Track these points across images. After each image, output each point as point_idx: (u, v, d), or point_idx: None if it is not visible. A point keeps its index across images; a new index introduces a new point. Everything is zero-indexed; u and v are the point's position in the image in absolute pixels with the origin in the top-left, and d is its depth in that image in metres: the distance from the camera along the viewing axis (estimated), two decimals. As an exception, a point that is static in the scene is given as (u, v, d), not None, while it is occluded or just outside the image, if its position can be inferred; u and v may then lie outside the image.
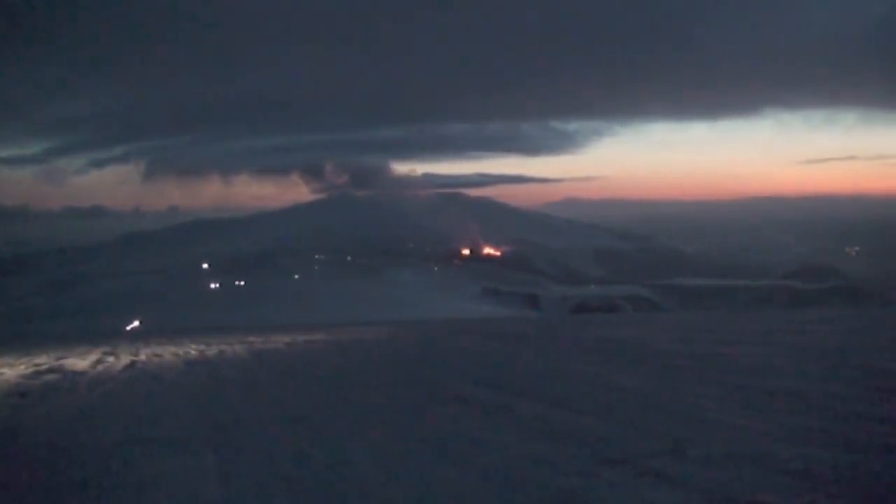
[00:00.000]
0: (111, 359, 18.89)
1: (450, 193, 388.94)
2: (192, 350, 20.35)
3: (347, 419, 9.57)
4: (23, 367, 17.58)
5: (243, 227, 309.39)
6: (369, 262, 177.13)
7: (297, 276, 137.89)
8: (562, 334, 21.56)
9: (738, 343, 16.29)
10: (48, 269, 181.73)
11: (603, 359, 14.70)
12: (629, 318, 38.53)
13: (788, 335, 17.80)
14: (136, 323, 57.22)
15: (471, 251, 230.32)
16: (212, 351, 19.81)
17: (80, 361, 18.38)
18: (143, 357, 19.07)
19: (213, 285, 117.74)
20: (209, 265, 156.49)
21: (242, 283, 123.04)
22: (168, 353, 19.93)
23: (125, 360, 18.49)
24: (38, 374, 16.09)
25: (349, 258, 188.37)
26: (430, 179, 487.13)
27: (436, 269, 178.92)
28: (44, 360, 18.78)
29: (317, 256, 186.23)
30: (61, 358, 19.38)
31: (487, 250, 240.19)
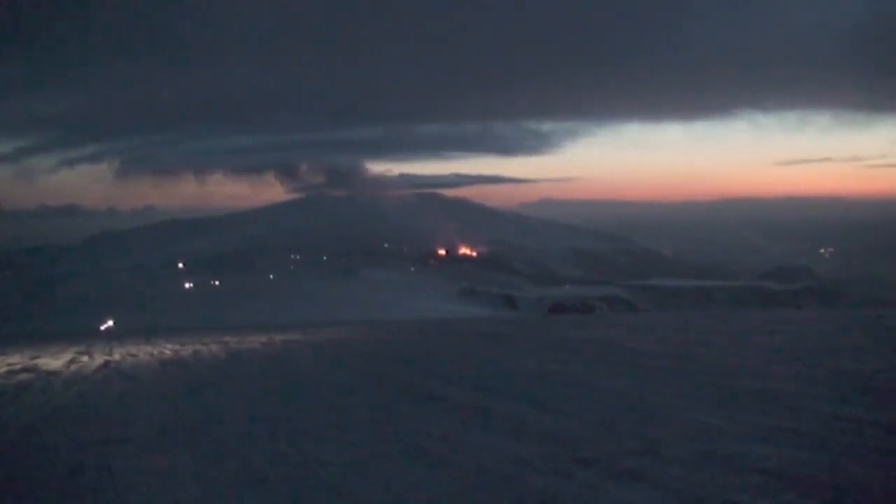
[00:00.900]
0: (85, 358, 18.77)
1: (426, 193, 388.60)
2: (167, 350, 20.26)
3: (322, 418, 9.57)
4: (-5, 366, 17.45)
5: (218, 227, 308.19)
6: (345, 262, 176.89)
7: (272, 276, 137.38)
8: (538, 334, 21.62)
9: (712, 343, 16.41)
10: (21, 268, 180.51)
11: (578, 359, 14.76)
12: (605, 319, 38.67)
13: (762, 335, 17.94)
14: (111, 323, 56.81)
15: (447, 251, 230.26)
16: (187, 351, 19.73)
17: (53, 361, 18.25)
18: (117, 357, 18.96)
19: (187, 285, 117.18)
20: (184, 265, 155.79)
21: (218, 282, 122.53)
22: (143, 353, 19.83)
23: (99, 359, 18.37)
24: (11, 373, 15.97)
25: (325, 258, 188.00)
26: (406, 179, 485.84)
27: (412, 269, 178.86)
28: (17, 360, 18.64)
29: (292, 256, 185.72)
30: (35, 357, 19.24)
31: (464, 251, 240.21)
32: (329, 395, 11.49)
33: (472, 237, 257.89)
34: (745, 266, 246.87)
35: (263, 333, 25.38)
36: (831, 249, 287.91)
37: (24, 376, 15.40)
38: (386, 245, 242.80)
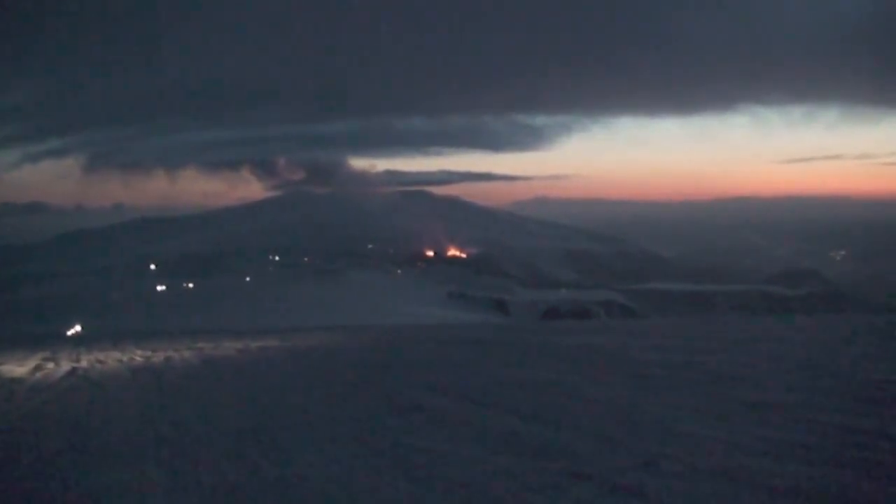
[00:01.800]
0: (51, 365, 18.70)
1: (413, 191, 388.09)
2: (138, 356, 20.21)
3: (301, 430, 9.55)
4: (-47, 374, 17.38)
5: (192, 226, 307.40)
6: (327, 264, 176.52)
7: (249, 279, 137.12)
8: (530, 341, 21.62)
9: (715, 351, 16.43)
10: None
11: (573, 367, 14.77)
12: (602, 325, 38.69)
13: (768, 343, 17.97)
14: (78, 327, 56.61)
15: (435, 253, 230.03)
16: (158, 358, 19.68)
17: (17, 368, 18.18)
18: (84, 363, 18.90)
19: (159, 287, 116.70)
20: (156, 266, 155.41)
21: (191, 285, 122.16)
22: (112, 359, 19.77)
23: (66, 366, 18.31)
24: (-30, 381, 15.92)
25: (305, 259, 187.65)
26: (391, 176, 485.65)
27: (398, 271, 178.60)
28: (-24, 367, 18.58)
29: (271, 257, 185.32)
30: (-5, 364, 19.18)
31: (453, 252, 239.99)
32: (309, 406, 11.48)
33: (461, 237, 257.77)
34: (749, 269, 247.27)
35: (239, 339, 25.34)
36: (841, 252, 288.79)
37: (-16, 384, 15.35)
38: (370, 246, 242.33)
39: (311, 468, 7.65)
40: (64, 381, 15.71)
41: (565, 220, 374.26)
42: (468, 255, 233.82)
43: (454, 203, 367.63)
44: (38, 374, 16.89)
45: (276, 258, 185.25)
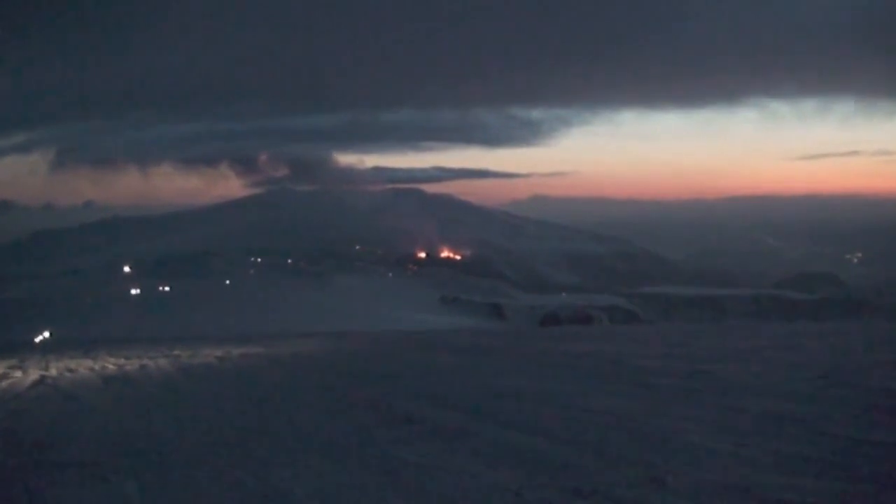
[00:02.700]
0: (18, 374, 18.66)
1: (403, 189, 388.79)
2: (110, 364, 20.17)
3: (285, 442, 9.54)
4: (-86, 383, 17.33)
5: (168, 226, 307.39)
6: (312, 266, 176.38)
7: (228, 282, 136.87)
8: (528, 348, 21.62)
9: (724, 359, 16.44)
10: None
11: (574, 376, 14.78)
12: (604, 331, 38.77)
13: (780, 351, 18.00)
14: (46, 333, 56.46)
15: (427, 254, 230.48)
16: (132, 366, 19.65)
17: (-20, 377, 18.16)
18: (53, 372, 18.86)
19: (133, 291, 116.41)
20: (129, 268, 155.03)
21: (167, 288, 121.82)
22: (83, 367, 19.73)
23: (34, 375, 18.27)
24: (-69, 391, 15.88)
25: (289, 261, 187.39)
26: (380, 173, 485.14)
27: (388, 274, 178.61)
28: (-62, 376, 18.54)
29: (252, 259, 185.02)
30: (-42, 373, 19.14)
31: (445, 253, 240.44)
32: (293, 417, 11.46)
33: (454, 238, 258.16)
34: (761, 272, 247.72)
35: (219, 346, 25.30)
36: (858, 254, 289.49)
37: (-54, 394, 15.31)
38: (358, 247, 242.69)
39: (294, 482, 7.64)
40: (31, 390, 15.67)
41: (565, 219, 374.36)
42: (462, 257, 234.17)
43: (447, 201, 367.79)
44: (4, 384, 16.86)
45: (258, 260, 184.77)
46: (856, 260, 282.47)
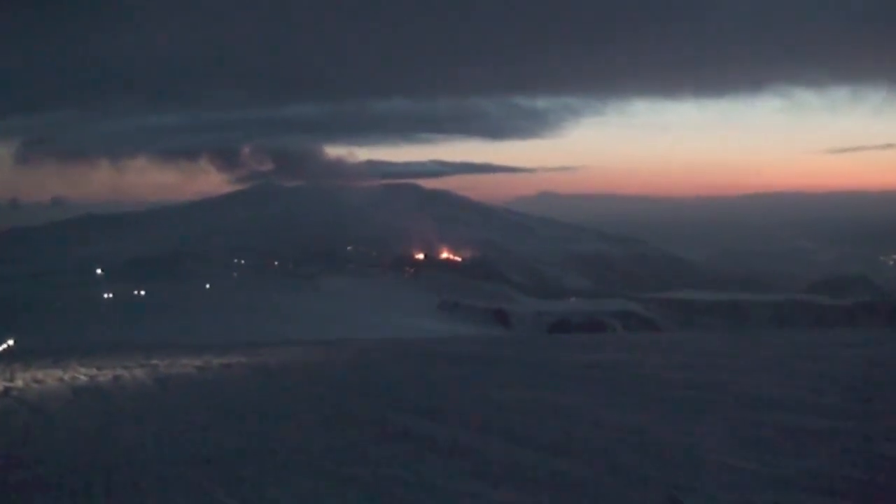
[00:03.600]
0: (-21, 385, 18.69)
1: (399, 184, 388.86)
2: (81, 375, 20.17)
3: (269, 460, 9.54)
4: None
5: (143, 224, 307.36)
6: (300, 269, 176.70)
7: (209, 285, 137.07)
8: (535, 358, 21.62)
9: (748, 370, 16.44)
10: None
11: (585, 388, 14.77)
12: (618, 340, 38.72)
13: (809, 361, 17.99)
14: (11, 341, 56.53)
15: (425, 256, 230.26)
16: (105, 376, 19.65)
17: (-61, 388, 18.17)
18: (19, 383, 18.87)
19: (106, 295, 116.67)
20: (102, 270, 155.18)
21: (143, 292, 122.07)
22: (51, 378, 19.74)
23: (-4, 386, 18.31)
24: None
25: (275, 263, 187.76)
26: (373, 167, 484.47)
27: (383, 277, 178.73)
28: None
29: (235, 261, 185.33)
30: (-84, 384, 19.15)
31: (445, 255, 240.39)
32: (279, 432, 11.46)
33: (455, 238, 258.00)
34: (788, 276, 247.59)
35: (199, 355, 25.30)
36: (893, 256, 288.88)
37: None
38: (349, 247, 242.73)
39: (281, 504, 7.63)
40: (-5, 403, 15.69)
41: (574, 218, 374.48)
42: (463, 259, 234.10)
43: (446, 198, 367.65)
44: (-34, 396, 16.87)
45: (241, 262, 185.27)
46: (891, 262, 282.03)
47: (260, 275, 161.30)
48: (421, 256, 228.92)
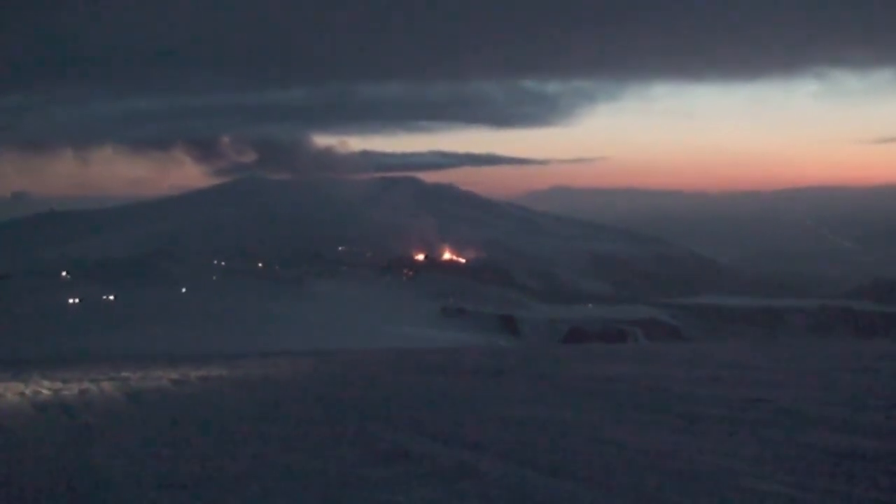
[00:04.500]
0: (-70, 401, 18.71)
1: (396, 178, 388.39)
2: (45, 389, 20.18)
3: (252, 484, 9.54)
4: None
5: (113, 222, 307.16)
6: (287, 271, 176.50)
7: (186, 290, 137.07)
8: (547, 371, 21.65)
9: (785, 385, 16.45)
10: None
11: (603, 405, 14.78)
12: (639, 350, 38.77)
13: (851, 375, 17.99)
14: (-34, 352, 56.55)
15: (426, 257, 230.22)
16: (71, 390, 19.66)
17: None
18: (-26, 399, 18.90)
19: (72, 300, 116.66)
20: (68, 273, 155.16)
21: (113, 297, 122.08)
22: (11, 392, 19.75)
23: (-50, 402, 18.33)
24: None
25: (259, 265, 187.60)
26: (367, 158, 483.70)
27: (378, 281, 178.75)
28: None
29: (214, 263, 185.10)
30: None
31: (447, 256, 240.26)
32: (263, 453, 11.46)
33: (459, 237, 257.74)
34: (829, 279, 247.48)
35: (175, 367, 25.34)
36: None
37: None
38: (341, 248, 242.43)
39: (266, 533, 7.65)
40: (-51, 420, 15.70)
41: (591, 214, 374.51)
42: (467, 260, 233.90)
43: (448, 192, 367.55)
44: (-84, 412, 16.89)
45: (221, 263, 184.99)
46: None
47: (242, 278, 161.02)
48: (421, 258, 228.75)
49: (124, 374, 23.48)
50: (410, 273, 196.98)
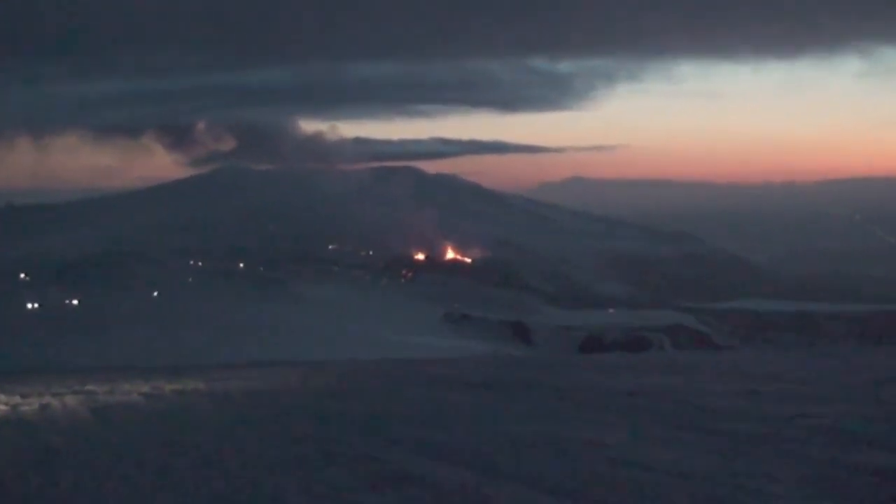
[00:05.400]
0: None
1: (393, 168, 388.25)
2: (0, 404, 20.21)
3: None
4: None
5: (76, 217, 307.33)
6: (271, 273, 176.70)
7: (157, 293, 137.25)
8: (563, 384, 21.65)
9: (826, 399, 16.45)
10: None
11: (624, 421, 14.80)
12: (665, 360, 38.75)
13: (902, 387, 17.99)
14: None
15: (426, 257, 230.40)
16: (30, 406, 19.68)
17: None
18: (-77, 415, 18.93)
19: (31, 305, 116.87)
20: (26, 274, 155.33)
21: (76, 301, 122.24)
22: (-38, 409, 19.80)
23: None
24: None
25: (240, 265, 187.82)
26: (361, 146, 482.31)
27: (373, 283, 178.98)
28: None
29: (190, 263, 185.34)
30: None
31: (451, 255, 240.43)
32: (245, 475, 11.47)
33: (463, 234, 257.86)
34: (875, 281, 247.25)
35: (146, 380, 25.35)
36: None
37: None
38: (332, 246, 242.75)
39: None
40: None
41: (611, 209, 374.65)
42: (473, 260, 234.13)
43: (452, 184, 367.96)
44: None
45: (198, 264, 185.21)
46: None
47: (221, 280, 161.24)
48: (421, 257, 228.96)
49: (90, 387, 23.49)
50: (409, 274, 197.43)
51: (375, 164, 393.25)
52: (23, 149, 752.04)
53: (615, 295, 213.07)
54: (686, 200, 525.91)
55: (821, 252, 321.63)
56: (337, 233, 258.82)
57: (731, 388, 18.95)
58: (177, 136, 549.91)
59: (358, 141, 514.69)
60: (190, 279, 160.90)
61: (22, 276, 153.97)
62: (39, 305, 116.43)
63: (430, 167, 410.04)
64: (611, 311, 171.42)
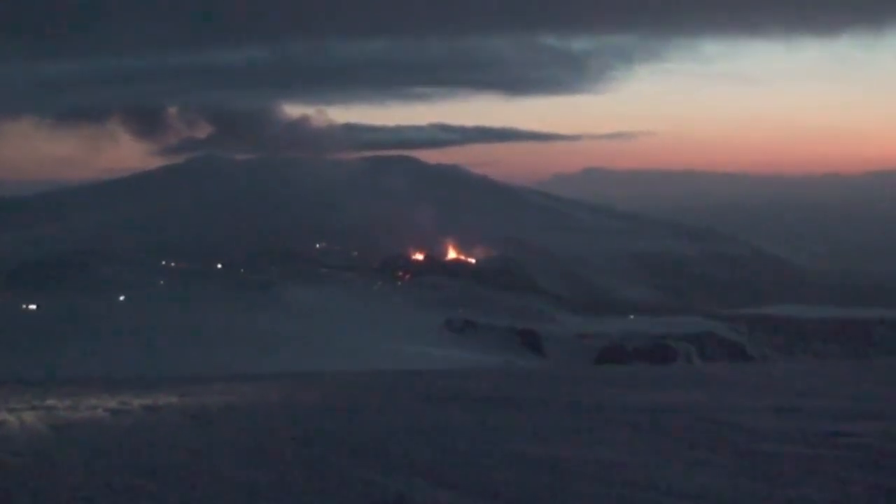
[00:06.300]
0: None
1: (388, 157, 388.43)
2: (-50, 422, 20.28)
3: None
4: None
5: (34, 213, 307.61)
6: (253, 275, 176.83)
7: (124, 297, 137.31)
8: (578, 398, 21.69)
9: (879, 415, 16.47)
10: None
11: (648, 441, 14.83)
12: (693, 373, 38.80)
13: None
14: None
15: (426, 257, 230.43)
16: (-17, 424, 19.74)
17: None
18: None
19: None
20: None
21: (35, 306, 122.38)
22: None
23: None
24: None
25: (218, 266, 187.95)
26: (352, 133, 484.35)
27: (366, 286, 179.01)
28: None
29: (162, 263, 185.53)
30: None
31: (453, 255, 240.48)
32: (224, 501, 11.50)
33: (467, 232, 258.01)
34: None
35: (112, 394, 25.39)
36: None
37: None
38: (320, 245, 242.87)
39: None
40: None
41: (632, 203, 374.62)
42: (478, 261, 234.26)
43: (454, 175, 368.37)
44: None
45: (171, 264, 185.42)
46: None
47: (197, 283, 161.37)
48: (419, 257, 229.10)
49: (50, 402, 23.53)
50: (406, 277, 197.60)
51: (368, 153, 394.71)
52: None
53: (636, 299, 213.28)
54: (715, 194, 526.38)
55: (867, 251, 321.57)
56: (325, 230, 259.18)
57: (764, 404, 18.97)
58: (146, 122, 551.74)
59: (348, 127, 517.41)
60: (162, 282, 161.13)
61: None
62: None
63: (429, 157, 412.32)
64: (631, 317, 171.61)
